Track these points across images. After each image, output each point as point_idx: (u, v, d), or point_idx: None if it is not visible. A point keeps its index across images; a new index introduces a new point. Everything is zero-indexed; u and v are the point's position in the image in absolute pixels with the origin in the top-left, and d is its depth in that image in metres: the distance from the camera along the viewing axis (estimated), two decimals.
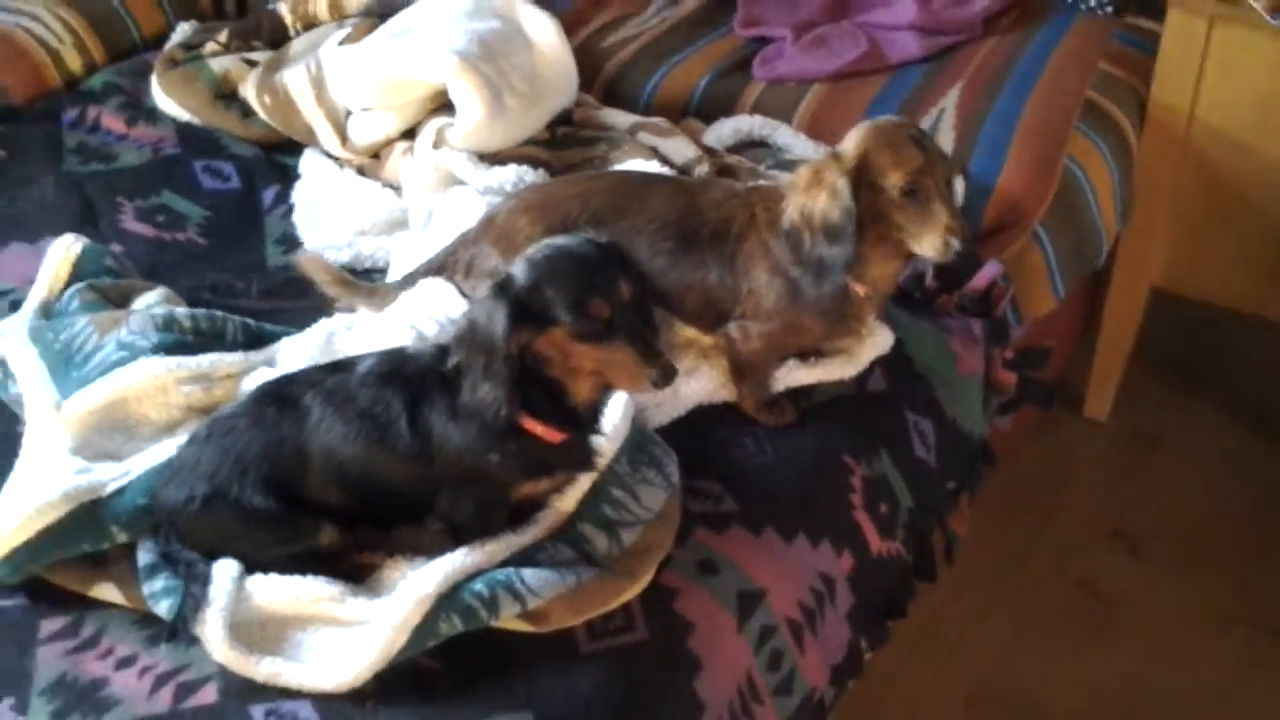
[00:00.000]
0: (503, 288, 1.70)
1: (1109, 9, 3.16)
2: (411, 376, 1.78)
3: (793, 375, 2.20)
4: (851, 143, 2.03)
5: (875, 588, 2.13)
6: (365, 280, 2.41)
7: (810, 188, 2.02)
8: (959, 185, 2.59)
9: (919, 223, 2.00)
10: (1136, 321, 3.24)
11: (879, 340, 2.25)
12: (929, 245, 2.01)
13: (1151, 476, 3.24)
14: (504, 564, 1.80)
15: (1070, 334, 3.26)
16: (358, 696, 1.69)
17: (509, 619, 1.74)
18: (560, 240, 1.77)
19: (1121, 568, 3.01)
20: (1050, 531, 3.09)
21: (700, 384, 2.17)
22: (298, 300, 2.39)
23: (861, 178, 1.99)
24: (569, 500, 1.88)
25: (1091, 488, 3.23)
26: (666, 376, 1.73)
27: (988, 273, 2.40)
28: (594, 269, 1.73)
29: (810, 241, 2.02)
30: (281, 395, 1.82)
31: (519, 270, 1.72)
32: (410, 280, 2.28)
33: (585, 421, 1.81)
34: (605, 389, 1.81)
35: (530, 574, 1.76)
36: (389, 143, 2.72)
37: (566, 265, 1.72)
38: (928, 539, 2.30)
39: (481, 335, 1.69)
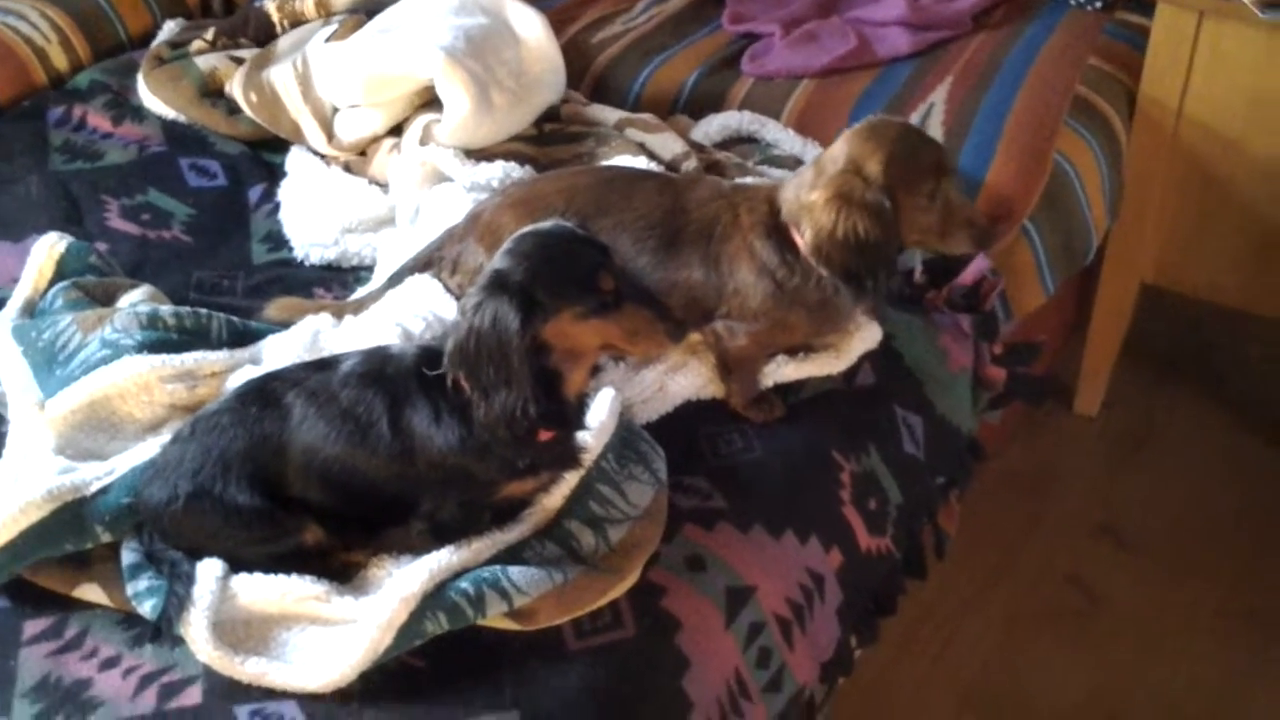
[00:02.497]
0: (500, 285, 1.67)
1: (1098, 4, 3.15)
2: (393, 377, 1.77)
3: (781, 371, 2.19)
4: (867, 153, 1.99)
5: (864, 584, 2.12)
6: (351, 277, 2.46)
7: (841, 207, 1.97)
8: None
9: (944, 223, 2.03)
10: (1126, 317, 3.23)
11: (867, 335, 2.24)
12: (960, 242, 2.05)
13: (1141, 472, 3.24)
14: (490, 562, 1.79)
15: (1060, 330, 3.25)
16: (343, 696, 1.68)
17: (495, 617, 1.74)
18: (534, 228, 1.75)
19: (1111, 563, 3.00)
20: (1040, 527, 3.08)
21: (688, 380, 2.16)
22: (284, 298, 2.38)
23: (890, 190, 1.98)
24: (556, 498, 1.87)
25: (1081, 483, 3.22)
26: (680, 329, 1.76)
27: (976, 267, 2.39)
28: (585, 245, 1.73)
29: (841, 259, 1.99)
30: (264, 393, 1.80)
31: (507, 264, 1.69)
32: (397, 279, 2.28)
33: (572, 418, 1.80)
34: (595, 376, 1.79)
35: (517, 572, 1.75)
36: (376, 140, 2.70)
37: (558, 248, 1.71)
38: (917, 535, 2.29)
39: (488, 340, 1.64)
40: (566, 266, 1.70)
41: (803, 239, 2.03)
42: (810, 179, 2.04)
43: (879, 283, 2.02)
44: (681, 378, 2.16)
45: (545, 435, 1.75)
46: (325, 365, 1.83)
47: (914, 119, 2.74)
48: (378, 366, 1.79)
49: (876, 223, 1.97)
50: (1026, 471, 3.22)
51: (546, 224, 1.78)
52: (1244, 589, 2.94)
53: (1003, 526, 3.06)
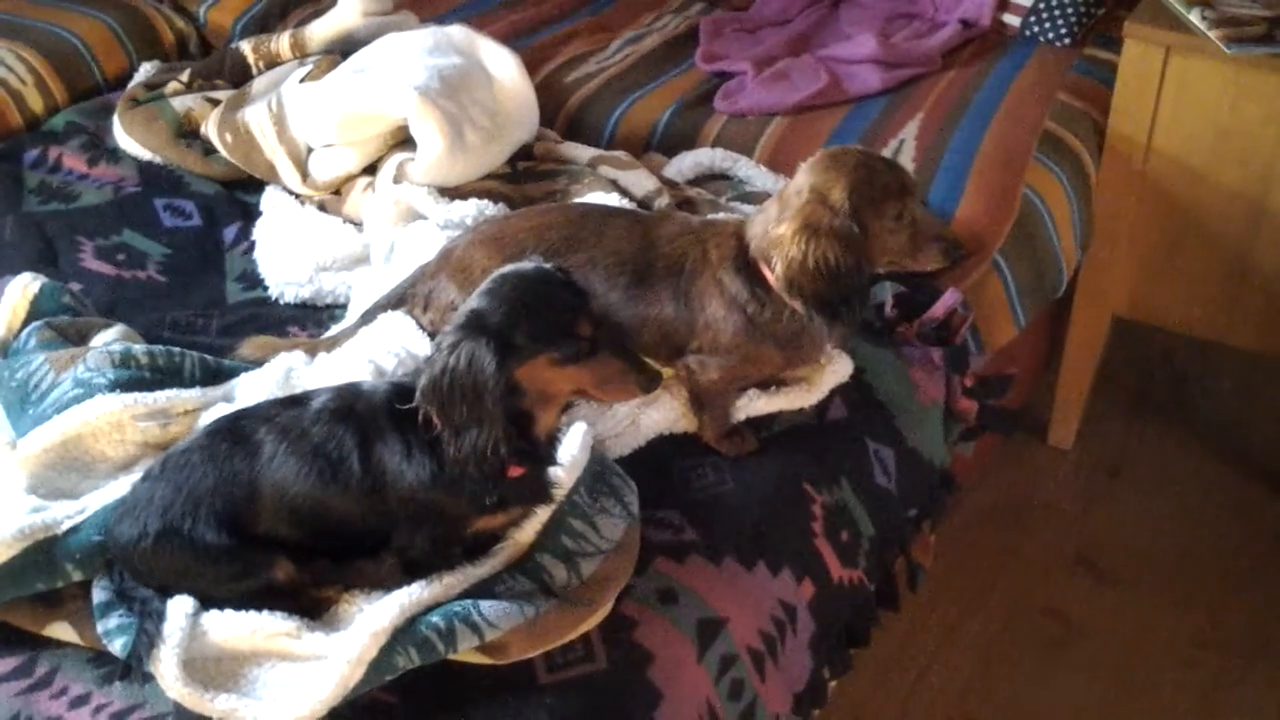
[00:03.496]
0: (477, 326, 1.67)
1: (1067, 41, 3.19)
2: (364, 413, 1.77)
3: (753, 405, 2.20)
4: (829, 181, 2.00)
5: (837, 616, 2.12)
6: (326, 315, 2.47)
7: (810, 238, 1.98)
8: None
9: (913, 242, 2.04)
10: (1099, 350, 3.25)
11: (839, 369, 2.26)
12: (930, 259, 2.05)
13: (1116, 504, 3.25)
14: (462, 596, 1.79)
15: (1034, 363, 3.27)
16: None
17: (467, 652, 1.74)
18: (515, 269, 1.76)
19: (1088, 595, 3.01)
20: (1016, 560, 3.09)
21: (660, 414, 2.17)
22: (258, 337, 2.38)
23: (857, 215, 1.99)
24: (528, 532, 1.88)
25: (1057, 516, 3.23)
26: (653, 381, 1.77)
27: (946, 301, 2.41)
28: (564, 290, 1.74)
29: (814, 289, 1.99)
30: (235, 430, 1.80)
31: (485, 305, 1.70)
32: (370, 316, 2.29)
33: (543, 455, 1.81)
34: (567, 412, 1.80)
35: (488, 606, 1.75)
36: (350, 179, 2.72)
37: (538, 291, 1.72)
38: (890, 567, 2.30)
39: (463, 380, 1.64)
40: (546, 311, 1.70)
41: (773, 273, 2.04)
42: (776, 213, 2.05)
43: (854, 310, 2.02)
44: (654, 412, 2.17)
45: (515, 472, 1.75)
46: (296, 402, 1.83)
47: (885, 155, 2.76)
48: (348, 403, 1.79)
49: (846, 249, 1.98)
50: (1002, 504, 3.23)
51: (527, 265, 1.78)
52: (1220, 618, 2.95)
53: (979, 559, 3.07)
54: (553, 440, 1.83)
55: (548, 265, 1.79)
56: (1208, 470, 3.33)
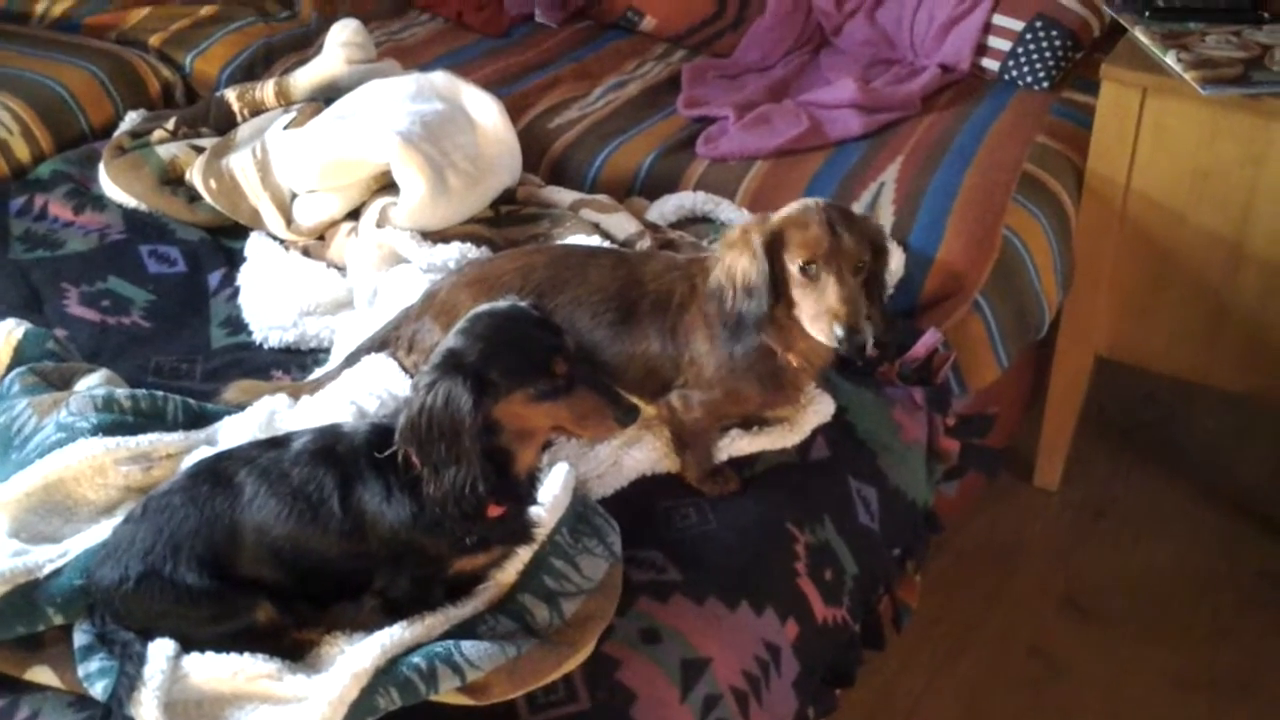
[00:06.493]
0: (453, 365, 1.69)
1: (1045, 84, 3.22)
2: (344, 454, 1.77)
3: (735, 445, 2.21)
4: (779, 213, 2.05)
5: (821, 655, 2.12)
6: (310, 359, 2.47)
7: (735, 246, 2.04)
8: (897, 257, 2.62)
9: (810, 303, 1.99)
10: (1082, 391, 3.26)
11: (820, 408, 2.27)
12: (814, 327, 2.00)
13: (1102, 544, 3.26)
14: (443, 637, 1.78)
15: (1018, 404, 3.28)
16: None
17: (449, 692, 1.73)
18: (489, 308, 1.78)
19: (1073, 634, 3.01)
20: (1002, 601, 3.09)
21: (643, 454, 2.17)
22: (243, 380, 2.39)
23: (776, 247, 2.01)
24: (509, 572, 1.88)
25: (1043, 556, 3.23)
26: (630, 414, 1.77)
27: (927, 341, 2.42)
28: (540, 328, 1.76)
29: (732, 298, 2.03)
30: (216, 472, 1.81)
31: (461, 344, 1.71)
32: (353, 359, 2.29)
33: (523, 494, 1.81)
34: (547, 450, 1.81)
35: (469, 646, 1.75)
36: (334, 224, 2.73)
37: (513, 329, 1.74)
38: (874, 606, 2.30)
39: (440, 419, 1.66)
40: (521, 349, 1.72)
41: None
42: None
43: (747, 322, 2.02)
44: (636, 452, 2.17)
45: (495, 511, 1.76)
46: (277, 443, 1.84)
47: (865, 198, 2.79)
48: (329, 444, 1.80)
49: (751, 262, 2.00)
50: (988, 545, 3.23)
51: (502, 304, 1.80)
52: (1206, 658, 2.94)
53: (965, 600, 3.06)
54: (533, 479, 1.84)
55: (523, 303, 1.81)
56: (1193, 510, 3.34)
